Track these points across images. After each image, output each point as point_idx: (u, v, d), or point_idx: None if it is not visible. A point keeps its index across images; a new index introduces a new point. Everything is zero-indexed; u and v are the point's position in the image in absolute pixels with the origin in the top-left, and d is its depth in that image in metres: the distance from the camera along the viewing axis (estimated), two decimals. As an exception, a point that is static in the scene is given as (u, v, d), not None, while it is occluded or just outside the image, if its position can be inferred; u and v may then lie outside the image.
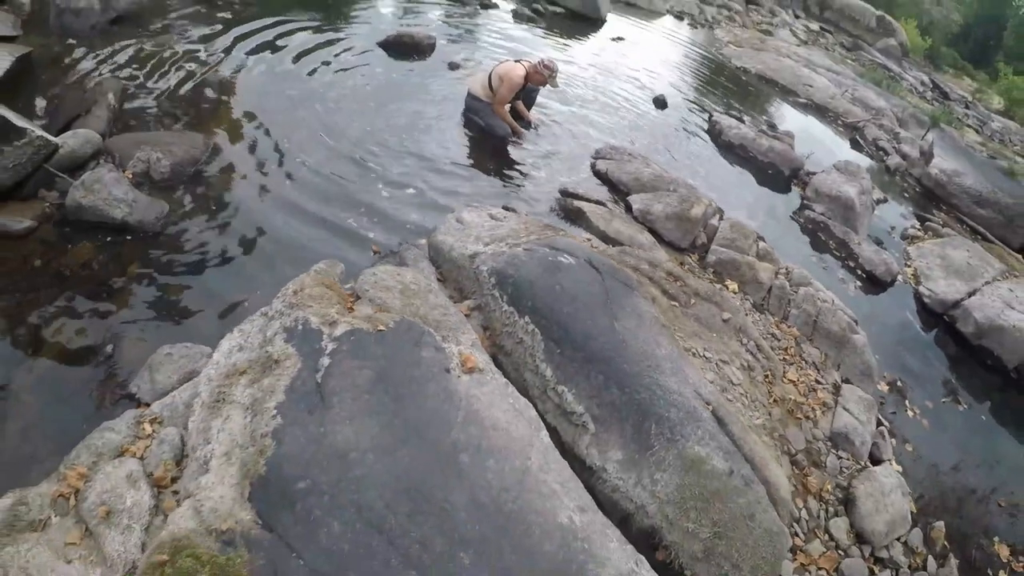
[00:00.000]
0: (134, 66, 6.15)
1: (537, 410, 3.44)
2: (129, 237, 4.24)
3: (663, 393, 3.52)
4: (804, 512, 3.92)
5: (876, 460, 4.58)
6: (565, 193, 6.07)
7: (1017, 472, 5.19)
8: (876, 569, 3.89)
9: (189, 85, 6.07)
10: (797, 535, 3.75)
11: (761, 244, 6.04)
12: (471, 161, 6.30)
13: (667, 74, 11.19)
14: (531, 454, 3.05)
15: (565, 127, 7.59)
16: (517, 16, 11.51)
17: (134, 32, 6.78)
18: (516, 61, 6.72)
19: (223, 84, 6.25)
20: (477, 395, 3.20)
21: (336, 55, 7.57)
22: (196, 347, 3.47)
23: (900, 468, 4.62)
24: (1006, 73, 22.54)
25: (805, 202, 7.95)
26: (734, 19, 18.16)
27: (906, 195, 9.96)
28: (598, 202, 6.02)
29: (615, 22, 13.36)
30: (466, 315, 3.96)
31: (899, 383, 5.55)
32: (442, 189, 5.69)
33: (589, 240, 5.24)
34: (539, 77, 6.66)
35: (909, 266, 7.56)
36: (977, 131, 16.02)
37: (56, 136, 4.46)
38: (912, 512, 4.27)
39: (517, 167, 6.44)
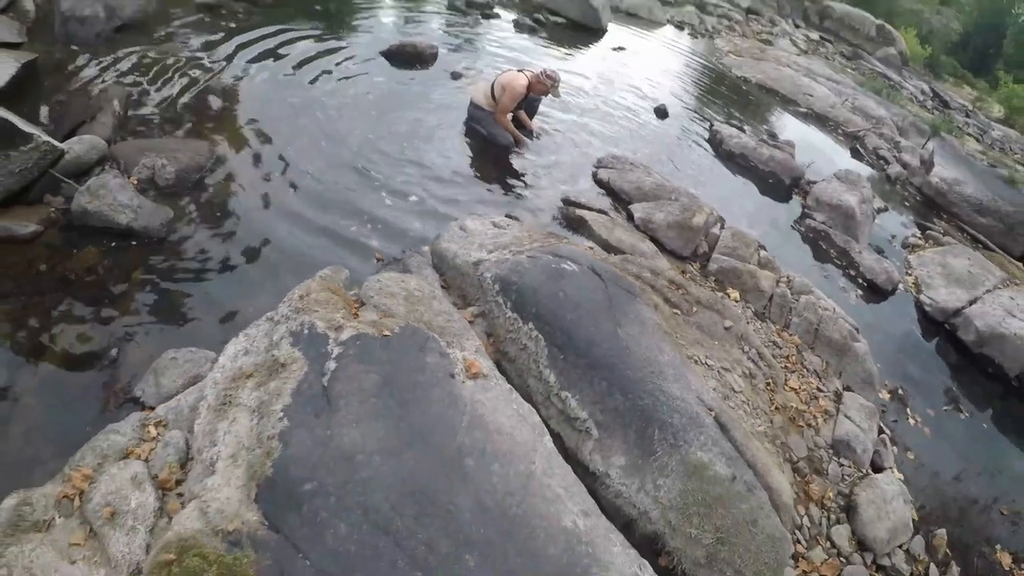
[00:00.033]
0: (138, 73, 6.17)
1: (540, 416, 3.46)
2: (134, 243, 4.26)
3: (666, 399, 3.54)
4: (806, 519, 3.92)
5: (878, 468, 4.58)
6: (567, 202, 6.09)
7: (1019, 481, 5.19)
8: (878, 576, 3.90)
9: (193, 92, 6.09)
10: (799, 542, 3.75)
11: (762, 253, 6.06)
12: (473, 170, 6.33)
13: (668, 83, 11.22)
14: (535, 459, 3.06)
15: (567, 136, 7.61)
16: (518, 26, 11.54)
17: (138, 40, 6.80)
18: (519, 71, 6.75)
19: (227, 92, 6.28)
20: (481, 400, 3.22)
21: (338, 64, 7.59)
22: (201, 352, 3.49)
23: (902, 476, 4.62)
24: (1006, 81, 22.50)
25: (806, 211, 7.97)
26: (734, 29, 18.19)
27: (907, 204, 9.98)
28: (600, 211, 6.04)
29: (616, 32, 13.39)
30: (470, 321, 3.98)
31: (900, 391, 5.56)
32: (444, 198, 5.71)
33: (591, 248, 5.25)
34: (541, 87, 6.70)
35: (910, 274, 7.57)
36: (977, 140, 16.02)
37: (61, 142, 4.48)
38: (914, 520, 4.27)
39: (519, 176, 6.46)
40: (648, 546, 3.18)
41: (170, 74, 6.30)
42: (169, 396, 3.22)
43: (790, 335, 5.35)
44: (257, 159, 5.46)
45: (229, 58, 6.98)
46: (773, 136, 10.14)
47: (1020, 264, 9.00)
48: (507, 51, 10.00)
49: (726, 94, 12.02)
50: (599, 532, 2.91)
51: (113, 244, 4.20)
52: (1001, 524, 4.73)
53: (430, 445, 2.87)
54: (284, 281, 4.09)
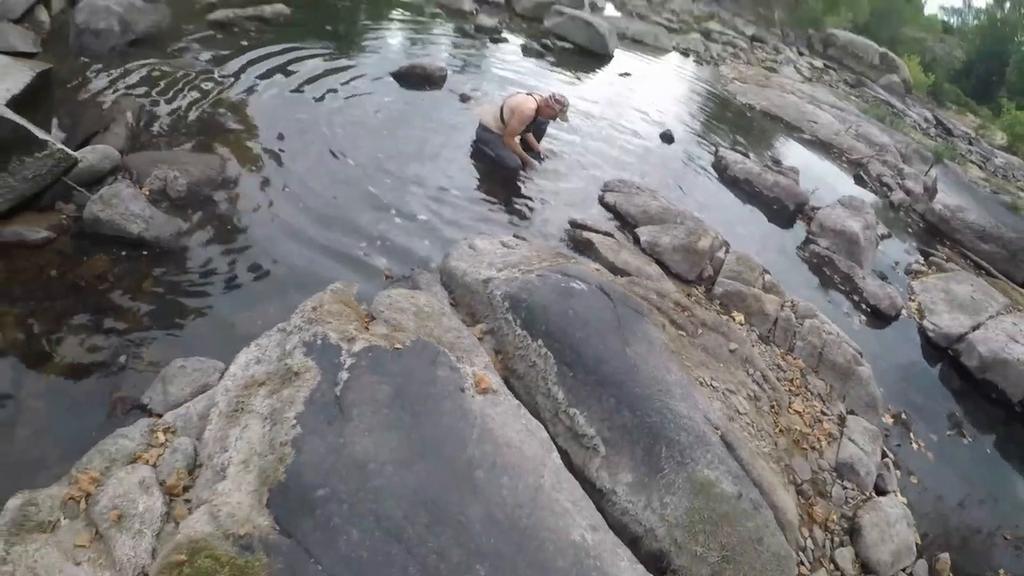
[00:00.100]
0: (151, 86, 6.25)
1: (548, 432, 3.47)
2: (145, 252, 4.28)
3: (673, 417, 3.55)
4: (810, 541, 3.91)
5: (881, 491, 4.58)
6: (574, 224, 6.13)
7: (1022, 506, 5.19)
8: (882, 600, 3.89)
9: (203, 107, 6.17)
10: (803, 564, 3.74)
11: (767, 277, 6.09)
12: (481, 191, 6.37)
13: (674, 109, 11.32)
14: (544, 473, 3.07)
15: (574, 159, 7.67)
16: (526, 50, 11.67)
17: (151, 54, 6.90)
18: (528, 94, 6.82)
19: (237, 107, 6.35)
20: (491, 414, 3.24)
21: (347, 83, 7.67)
22: (209, 361, 3.50)
23: (905, 500, 4.61)
24: (1009, 109, 22.49)
25: (810, 236, 8.01)
26: (739, 56, 18.38)
27: (910, 230, 10.02)
28: (607, 233, 6.08)
29: (622, 58, 13.53)
30: (479, 338, 4.00)
31: (904, 415, 5.56)
32: (452, 218, 5.74)
33: (598, 270, 5.28)
34: (550, 111, 6.77)
35: (913, 300, 7.59)
36: (980, 167, 16.08)
37: (75, 151, 4.52)
38: (917, 543, 4.27)
39: (527, 198, 6.50)
40: (654, 564, 3.17)
41: (182, 87, 6.39)
42: (177, 404, 3.23)
43: (794, 358, 5.36)
44: (266, 175, 5.50)
45: (239, 74, 7.07)
46: (777, 162, 10.22)
47: (1023, 290, 9.02)
48: (515, 75, 10.11)
49: (731, 120, 12.13)
50: (607, 547, 2.92)
51: (124, 253, 4.22)
52: (1004, 549, 4.72)
53: (441, 456, 2.88)
54: (291, 297, 4.10)
